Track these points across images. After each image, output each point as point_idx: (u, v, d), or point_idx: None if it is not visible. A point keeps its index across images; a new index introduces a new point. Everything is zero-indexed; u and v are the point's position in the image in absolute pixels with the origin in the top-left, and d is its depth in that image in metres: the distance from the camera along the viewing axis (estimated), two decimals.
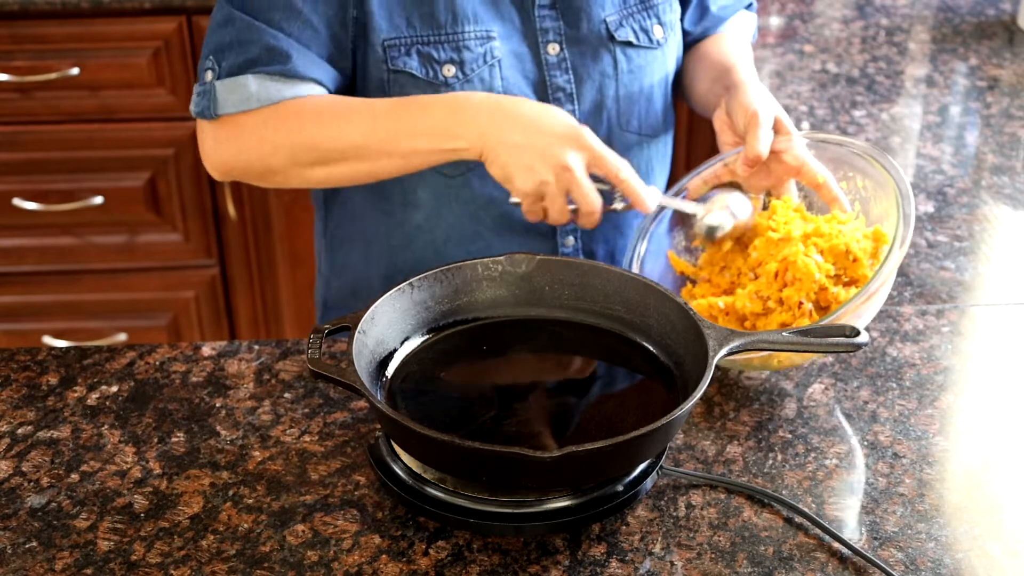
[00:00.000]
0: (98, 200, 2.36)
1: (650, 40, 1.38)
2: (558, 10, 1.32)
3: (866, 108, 1.84)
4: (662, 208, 1.29)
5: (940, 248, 1.48)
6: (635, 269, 1.27)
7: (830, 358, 1.26)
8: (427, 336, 1.16)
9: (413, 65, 1.28)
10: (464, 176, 1.33)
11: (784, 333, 1.07)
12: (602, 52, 1.35)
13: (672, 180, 1.54)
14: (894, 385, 1.23)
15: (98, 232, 2.41)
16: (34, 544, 1.02)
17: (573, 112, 1.35)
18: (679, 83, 1.50)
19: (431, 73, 1.28)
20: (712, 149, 1.37)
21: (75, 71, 2.24)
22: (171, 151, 2.34)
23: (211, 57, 1.27)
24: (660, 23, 1.39)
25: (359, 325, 1.08)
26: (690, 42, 1.49)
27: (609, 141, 1.38)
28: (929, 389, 1.23)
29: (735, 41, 1.49)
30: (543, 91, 1.33)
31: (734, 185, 1.31)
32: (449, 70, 1.28)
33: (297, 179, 1.30)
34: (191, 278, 2.48)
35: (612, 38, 1.35)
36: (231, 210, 2.38)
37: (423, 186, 1.35)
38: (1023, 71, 1.99)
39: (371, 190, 1.38)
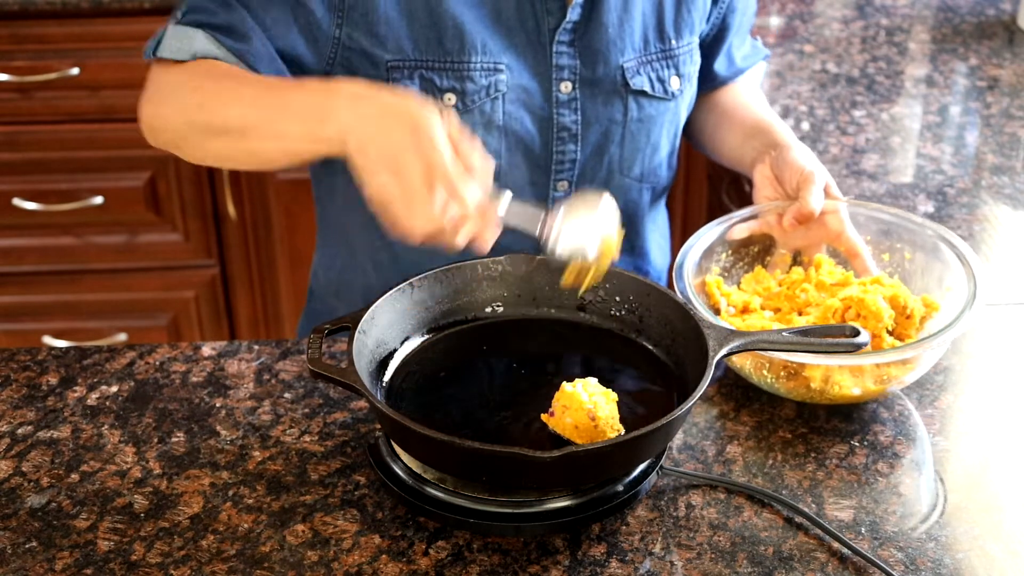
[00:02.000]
0: (98, 200, 2.36)
1: (665, 91, 1.36)
2: (576, 48, 1.30)
3: (866, 108, 1.84)
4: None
5: None
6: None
7: None
8: (427, 336, 1.17)
9: (413, 89, 1.26)
10: None
11: (784, 333, 1.07)
12: (614, 98, 1.33)
13: (679, 228, 1.53)
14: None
15: (98, 232, 2.41)
16: (34, 544, 1.02)
17: (575, 153, 1.34)
18: (695, 132, 1.51)
19: (431, 100, 1.26)
20: (710, 200, 1.37)
21: (75, 71, 2.24)
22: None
23: (182, 8, 1.22)
24: (679, 74, 1.37)
25: (359, 325, 1.08)
26: (708, 89, 1.49)
27: (607, 182, 1.37)
28: (929, 389, 1.23)
29: (755, 95, 1.50)
30: (548, 128, 1.32)
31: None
32: (450, 99, 1.26)
33: (196, 149, 1.20)
34: (191, 278, 2.48)
35: (627, 85, 1.33)
36: (231, 210, 2.38)
37: None
38: (1023, 71, 1.99)
39: (365, 206, 1.35)
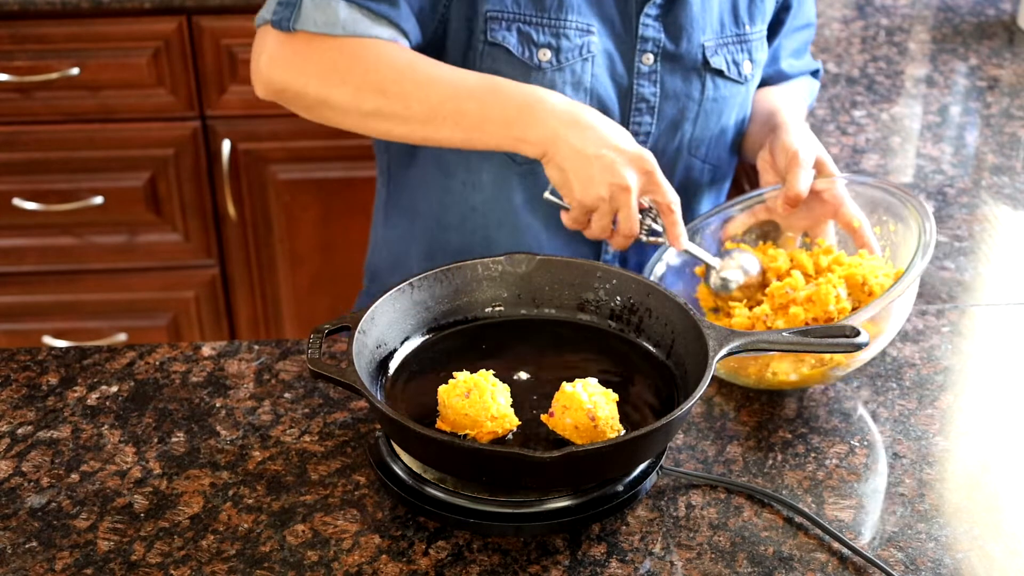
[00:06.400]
0: (98, 200, 2.36)
1: (739, 74, 1.38)
2: (662, 23, 1.32)
3: (866, 108, 1.84)
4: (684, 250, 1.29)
5: (940, 248, 1.48)
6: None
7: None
8: (427, 336, 1.16)
9: (511, 41, 1.27)
10: (531, 165, 1.34)
11: (784, 333, 1.07)
12: (693, 75, 1.35)
13: None
14: (894, 385, 1.23)
15: (98, 232, 2.41)
16: (34, 544, 1.02)
17: (651, 126, 1.36)
18: None
19: (527, 53, 1.28)
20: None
21: (75, 71, 2.24)
22: (171, 151, 2.34)
23: None
24: (751, 59, 1.39)
25: (359, 325, 1.08)
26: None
27: (675, 159, 1.39)
28: (929, 389, 1.23)
29: (785, 92, 1.51)
30: (627, 98, 1.33)
31: (768, 229, 1.35)
32: (545, 54, 1.28)
33: (350, 122, 1.27)
34: (191, 278, 2.48)
35: (707, 63, 1.35)
36: (231, 210, 2.38)
37: (489, 168, 1.35)
38: (1023, 71, 1.99)
39: (436, 166, 1.38)
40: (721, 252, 1.32)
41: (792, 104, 1.46)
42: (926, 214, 1.22)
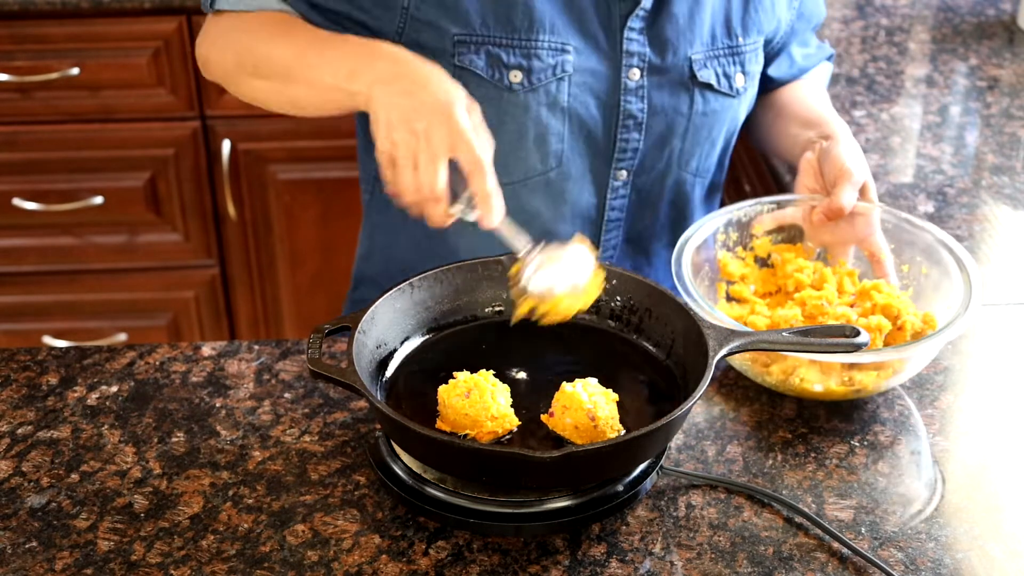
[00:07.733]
0: (98, 200, 2.36)
1: (730, 87, 1.36)
2: (647, 36, 1.30)
3: (866, 108, 1.84)
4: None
5: None
6: (686, 260, 1.24)
7: None
8: (427, 336, 1.17)
9: (479, 65, 1.26)
10: (512, 186, 1.31)
11: (784, 333, 1.07)
12: (680, 89, 1.34)
13: None
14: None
15: (98, 232, 2.41)
16: (34, 544, 1.02)
17: (638, 142, 1.34)
18: (754, 128, 1.51)
19: (496, 76, 1.26)
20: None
21: (75, 71, 2.24)
22: (171, 151, 2.34)
23: None
24: (744, 72, 1.37)
25: (359, 325, 1.08)
26: (769, 89, 1.48)
27: (664, 175, 1.37)
28: (929, 389, 1.23)
29: (817, 91, 1.49)
30: (614, 115, 1.31)
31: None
32: (516, 76, 1.26)
33: (240, 86, 1.30)
34: (191, 278, 2.48)
35: (694, 77, 1.33)
36: (231, 210, 2.38)
37: None
38: (1023, 71, 1.99)
39: None
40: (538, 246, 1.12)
41: (832, 110, 1.44)
42: (973, 268, 1.22)
